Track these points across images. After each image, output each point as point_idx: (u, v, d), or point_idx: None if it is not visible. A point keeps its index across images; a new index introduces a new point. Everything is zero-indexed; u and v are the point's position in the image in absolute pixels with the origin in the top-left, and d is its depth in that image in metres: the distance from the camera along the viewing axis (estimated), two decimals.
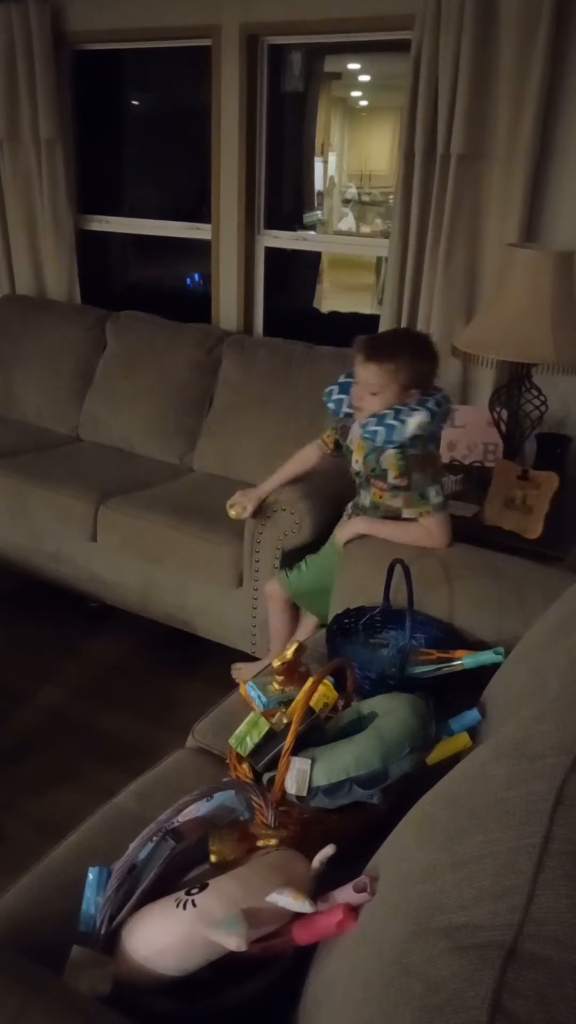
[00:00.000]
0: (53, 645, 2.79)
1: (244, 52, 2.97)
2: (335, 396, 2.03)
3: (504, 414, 2.45)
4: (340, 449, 2.14)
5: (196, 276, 3.76)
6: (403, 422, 1.88)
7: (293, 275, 3.72)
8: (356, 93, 3.83)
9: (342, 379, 2.04)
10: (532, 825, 0.76)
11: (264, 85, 3.09)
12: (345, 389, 2.01)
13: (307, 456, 2.27)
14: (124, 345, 3.27)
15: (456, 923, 0.70)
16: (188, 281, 3.91)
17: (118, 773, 2.14)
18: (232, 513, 2.31)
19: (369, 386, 1.92)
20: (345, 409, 2.02)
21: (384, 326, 2.82)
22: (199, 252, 3.39)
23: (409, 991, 0.67)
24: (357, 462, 2.04)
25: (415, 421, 1.88)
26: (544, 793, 0.79)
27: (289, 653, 1.53)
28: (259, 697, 1.52)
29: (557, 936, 0.65)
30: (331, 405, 2.05)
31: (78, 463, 3.05)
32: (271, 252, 3.30)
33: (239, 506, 2.31)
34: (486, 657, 1.60)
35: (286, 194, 3.55)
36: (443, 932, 0.70)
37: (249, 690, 1.54)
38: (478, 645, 1.76)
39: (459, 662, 1.63)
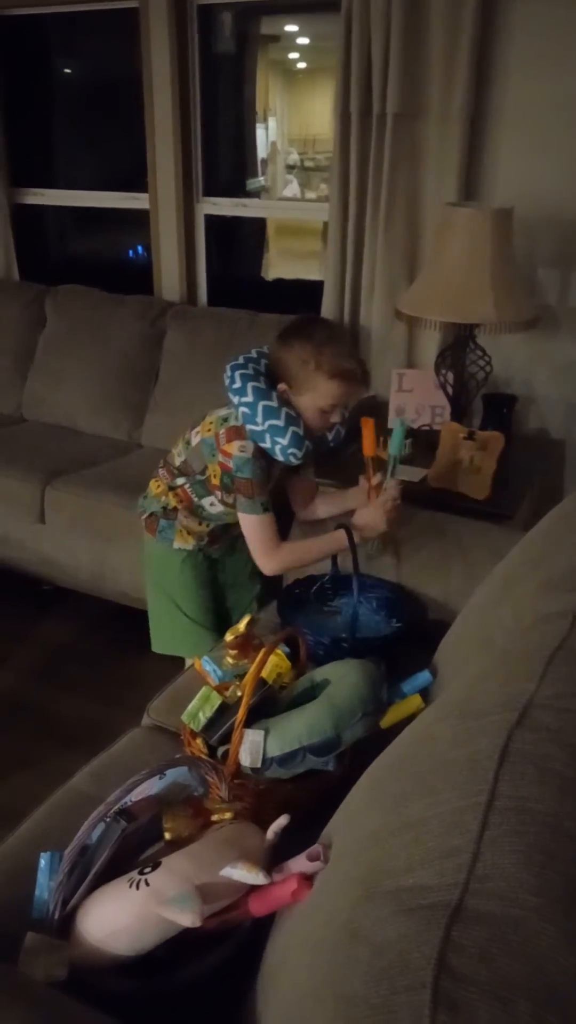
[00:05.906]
0: (5, 630, 2.75)
1: (173, 13, 2.89)
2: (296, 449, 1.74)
3: (450, 376, 2.44)
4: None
5: (139, 248, 3.68)
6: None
7: (239, 244, 3.66)
8: (295, 55, 3.74)
9: (293, 427, 1.72)
10: (477, 784, 0.76)
11: (195, 48, 3.01)
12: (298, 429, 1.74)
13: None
14: (64, 320, 3.20)
15: (403, 886, 0.70)
16: (131, 253, 3.82)
17: (77, 756, 2.10)
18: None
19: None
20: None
21: (328, 291, 2.78)
22: (141, 223, 3.31)
23: (357, 955, 0.66)
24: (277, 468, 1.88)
25: None
26: (489, 751, 0.79)
27: (242, 626, 1.52)
28: (214, 671, 1.51)
29: (500, 891, 0.65)
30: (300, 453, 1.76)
31: (22, 443, 2.98)
32: (215, 221, 3.23)
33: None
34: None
35: (227, 160, 3.47)
36: (391, 895, 0.70)
37: (204, 664, 1.53)
38: (428, 603, 1.77)
39: None
